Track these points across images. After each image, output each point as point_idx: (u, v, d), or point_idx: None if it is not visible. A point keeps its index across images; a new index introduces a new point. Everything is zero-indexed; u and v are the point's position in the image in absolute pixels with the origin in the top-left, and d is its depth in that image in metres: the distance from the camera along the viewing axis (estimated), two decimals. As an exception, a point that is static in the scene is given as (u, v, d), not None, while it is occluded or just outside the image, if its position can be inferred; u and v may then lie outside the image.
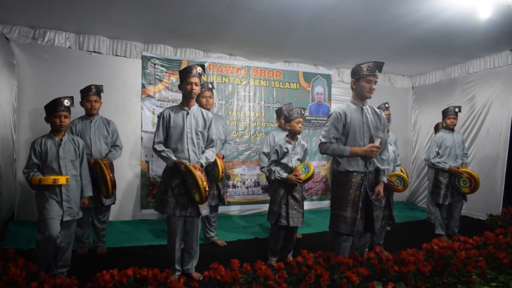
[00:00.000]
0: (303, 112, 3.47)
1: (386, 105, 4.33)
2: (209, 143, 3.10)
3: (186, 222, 3.04)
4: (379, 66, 2.89)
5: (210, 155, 3.05)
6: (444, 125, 4.53)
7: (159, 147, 2.94)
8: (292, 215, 3.30)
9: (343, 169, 2.90)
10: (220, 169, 3.60)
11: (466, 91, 5.79)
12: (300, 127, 3.42)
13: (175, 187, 2.91)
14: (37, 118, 4.30)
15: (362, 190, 2.86)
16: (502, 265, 3.03)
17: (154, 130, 5.01)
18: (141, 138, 5.01)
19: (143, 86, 5.03)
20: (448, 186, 4.27)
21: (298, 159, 3.42)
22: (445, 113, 4.47)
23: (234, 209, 5.46)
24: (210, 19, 4.12)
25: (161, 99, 5.13)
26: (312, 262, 2.74)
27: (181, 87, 3.02)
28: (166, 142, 2.98)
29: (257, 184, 5.64)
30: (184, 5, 3.72)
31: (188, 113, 3.00)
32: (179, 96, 5.20)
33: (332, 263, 2.74)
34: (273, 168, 3.37)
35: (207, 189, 2.77)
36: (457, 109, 4.41)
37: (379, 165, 2.95)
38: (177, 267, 2.99)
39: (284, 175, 3.31)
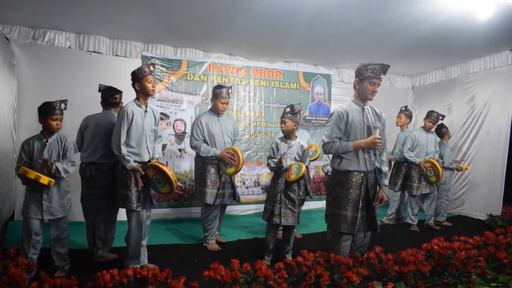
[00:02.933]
0: (289, 109, 3.39)
1: (402, 109, 5.01)
2: (156, 138, 3.25)
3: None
4: (384, 69, 2.87)
5: (159, 150, 3.29)
6: (423, 124, 4.99)
7: (124, 150, 2.94)
8: (286, 214, 3.30)
9: (343, 168, 2.89)
10: (241, 161, 3.65)
11: (466, 91, 5.79)
12: (282, 127, 3.41)
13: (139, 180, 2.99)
14: (37, 118, 4.28)
15: (362, 189, 2.86)
16: (502, 265, 3.03)
17: (154, 130, 5.07)
18: (141, 138, 5.01)
19: (143, 86, 5.03)
20: (420, 178, 4.77)
21: (295, 159, 3.40)
22: (428, 115, 4.94)
23: (234, 209, 5.46)
24: (210, 19, 4.12)
25: (161, 99, 5.13)
26: (312, 262, 2.74)
27: (137, 86, 3.03)
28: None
29: (257, 184, 5.64)
30: (184, 5, 3.72)
31: (146, 111, 3.08)
32: (179, 96, 5.23)
33: (332, 263, 2.74)
34: (269, 161, 3.43)
35: (176, 179, 3.01)
36: (440, 117, 4.92)
37: (378, 165, 2.95)
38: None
39: (276, 159, 3.34)
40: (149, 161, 3.10)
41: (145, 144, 3.07)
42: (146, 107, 3.09)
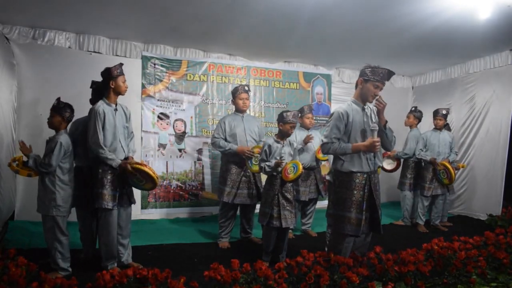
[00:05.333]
0: (298, 115, 3.45)
1: (412, 109, 5.13)
2: (129, 135, 3.28)
3: (120, 214, 3.11)
4: (390, 76, 2.88)
5: (133, 147, 3.32)
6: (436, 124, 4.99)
7: (106, 149, 2.94)
8: (285, 216, 3.26)
9: (346, 169, 2.88)
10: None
11: (466, 91, 5.79)
12: (291, 132, 3.40)
13: (115, 179, 3.01)
14: (37, 117, 4.30)
15: (366, 190, 2.86)
16: (502, 265, 3.03)
17: (154, 130, 5.08)
18: (141, 138, 5.02)
19: (143, 86, 5.03)
20: (432, 179, 4.81)
21: (289, 159, 3.38)
22: (434, 114, 4.99)
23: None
24: (210, 19, 4.12)
25: (161, 99, 5.14)
26: (312, 262, 2.74)
27: (112, 84, 3.04)
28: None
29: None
30: (184, 5, 3.72)
31: (116, 109, 3.10)
32: (179, 96, 5.23)
33: (332, 263, 2.74)
34: (262, 164, 3.36)
35: (156, 175, 3.07)
36: (444, 111, 4.92)
37: (380, 164, 2.95)
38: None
39: (272, 161, 3.28)
40: (125, 158, 3.13)
41: (119, 143, 3.08)
42: (116, 106, 3.12)
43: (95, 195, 2.99)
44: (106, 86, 3.07)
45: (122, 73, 3.08)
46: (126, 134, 3.21)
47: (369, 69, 2.86)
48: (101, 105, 3.03)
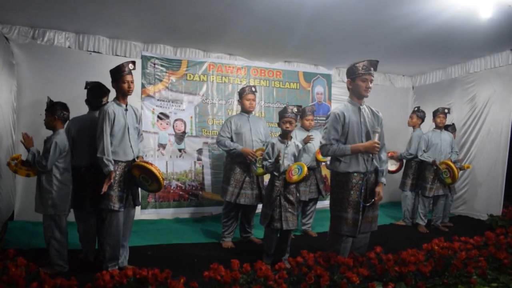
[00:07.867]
0: (294, 111, 3.40)
1: (415, 109, 5.11)
2: (139, 136, 3.27)
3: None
4: (373, 64, 2.89)
5: (142, 148, 3.32)
6: (435, 123, 4.98)
7: (108, 152, 2.90)
8: (286, 218, 3.22)
9: (342, 170, 2.88)
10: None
11: (466, 91, 5.79)
12: (287, 127, 3.34)
13: (122, 180, 3.00)
14: (36, 117, 4.28)
15: (362, 190, 2.86)
16: (502, 265, 3.03)
17: (153, 130, 5.07)
18: (141, 138, 5.01)
19: (143, 86, 5.02)
20: (433, 180, 4.77)
21: (292, 159, 3.36)
22: (434, 112, 4.93)
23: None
24: (210, 19, 4.12)
25: (161, 99, 5.13)
26: (312, 263, 2.73)
27: (115, 85, 3.04)
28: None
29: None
30: (184, 5, 3.71)
31: (126, 110, 3.08)
32: (179, 96, 5.23)
33: (332, 263, 2.74)
34: (264, 163, 3.35)
35: (162, 176, 3.04)
36: (446, 110, 4.92)
37: (378, 166, 2.95)
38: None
39: (272, 160, 3.27)
40: (134, 159, 3.10)
41: (129, 143, 3.05)
42: (126, 106, 3.09)
43: (101, 196, 2.96)
44: (113, 87, 3.10)
45: (127, 73, 3.03)
46: (136, 135, 3.18)
47: (352, 67, 2.91)
48: (111, 105, 3.01)
